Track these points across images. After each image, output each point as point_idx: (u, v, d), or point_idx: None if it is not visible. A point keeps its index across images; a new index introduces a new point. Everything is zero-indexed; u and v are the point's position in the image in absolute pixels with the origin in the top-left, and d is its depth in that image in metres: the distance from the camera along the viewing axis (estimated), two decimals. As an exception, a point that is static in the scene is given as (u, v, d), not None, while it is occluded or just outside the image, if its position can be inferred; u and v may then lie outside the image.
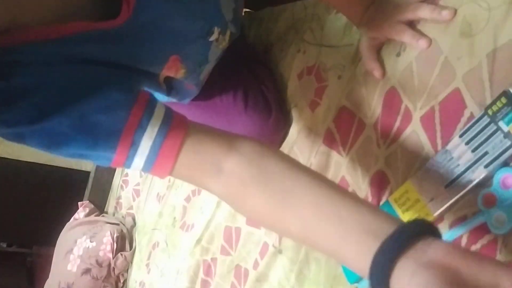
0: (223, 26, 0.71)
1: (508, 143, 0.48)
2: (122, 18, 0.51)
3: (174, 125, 0.51)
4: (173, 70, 0.65)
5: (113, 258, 1.29)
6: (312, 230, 0.44)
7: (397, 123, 0.63)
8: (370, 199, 0.64)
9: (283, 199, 0.47)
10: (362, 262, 0.38)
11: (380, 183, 0.63)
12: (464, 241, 0.51)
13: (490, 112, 0.50)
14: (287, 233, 0.49)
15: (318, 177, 0.48)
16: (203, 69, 0.74)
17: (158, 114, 0.50)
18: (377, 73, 0.67)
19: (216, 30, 0.69)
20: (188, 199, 1.15)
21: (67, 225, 1.44)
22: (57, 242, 1.39)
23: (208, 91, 0.82)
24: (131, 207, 1.47)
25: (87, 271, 1.26)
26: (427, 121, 0.59)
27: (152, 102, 0.51)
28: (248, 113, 0.82)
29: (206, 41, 0.69)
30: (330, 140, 0.73)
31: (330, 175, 0.72)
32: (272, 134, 0.83)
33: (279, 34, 0.94)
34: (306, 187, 0.46)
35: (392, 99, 0.64)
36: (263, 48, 0.98)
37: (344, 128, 0.71)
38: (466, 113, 0.54)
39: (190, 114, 0.55)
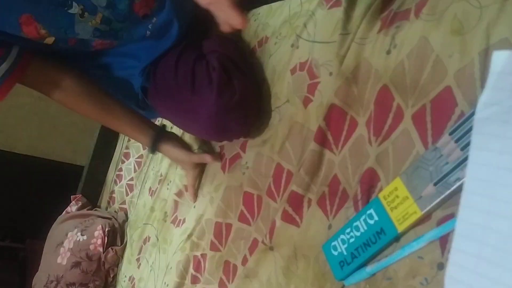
0: (89, 6, 0.84)
1: (497, 141, 0.48)
2: None
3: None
4: (33, 30, 0.80)
5: (103, 252, 1.28)
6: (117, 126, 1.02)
7: (389, 121, 0.63)
8: (359, 196, 0.64)
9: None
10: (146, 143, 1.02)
11: (370, 180, 0.63)
12: (451, 238, 0.51)
13: (480, 110, 0.50)
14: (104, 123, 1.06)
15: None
16: (80, 39, 0.88)
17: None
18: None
19: (77, 6, 0.82)
20: (180, 194, 1.15)
21: (59, 218, 1.44)
22: (48, 235, 1.39)
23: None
24: (124, 202, 1.47)
25: (77, 264, 1.26)
26: (418, 118, 0.59)
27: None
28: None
29: (65, 12, 0.82)
30: (322, 138, 0.73)
31: (322, 173, 0.71)
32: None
33: (275, 28, 0.94)
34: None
35: (384, 97, 0.64)
36: (259, 41, 0.98)
37: (335, 126, 0.71)
38: (457, 111, 0.54)
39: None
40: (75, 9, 0.82)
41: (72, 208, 1.53)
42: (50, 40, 0.84)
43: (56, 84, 0.92)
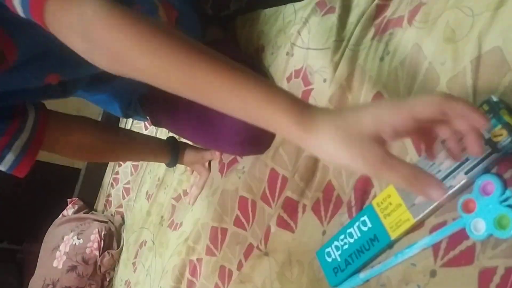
0: None
1: (489, 150, 0.48)
2: (9, 62, 0.63)
3: None
4: (54, 79, 0.75)
5: (99, 256, 1.28)
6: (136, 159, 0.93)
7: (382, 127, 0.63)
8: (353, 202, 0.64)
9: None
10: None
11: (364, 187, 0.63)
12: (443, 246, 0.51)
13: (472, 118, 0.50)
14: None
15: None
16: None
17: None
18: None
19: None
20: (178, 198, 1.15)
21: (55, 221, 1.44)
22: (44, 238, 1.39)
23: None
24: (120, 205, 1.47)
25: (73, 268, 1.26)
26: (411, 126, 0.59)
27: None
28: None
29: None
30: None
31: (317, 179, 0.72)
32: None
33: (270, 36, 0.94)
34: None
35: (378, 103, 0.64)
36: (255, 49, 0.98)
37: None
38: (449, 119, 0.54)
39: None
40: None
41: (69, 211, 1.53)
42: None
43: (72, 142, 0.87)
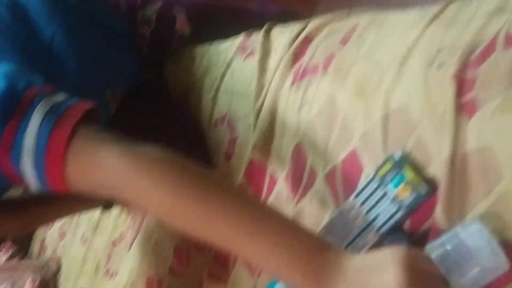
0: None
1: (395, 207, 0.49)
2: None
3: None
4: None
5: (34, 309, 1.21)
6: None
7: (304, 180, 0.63)
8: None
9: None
10: None
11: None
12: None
13: (379, 175, 0.52)
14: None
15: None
16: None
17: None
18: None
19: None
20: (114, 243, 1.11)
21: (-14, 273, 1.35)
22: (-26, 293, 1.30)
23: None
24: (56, 250, 1.40)
25: (4, 325, 1.18)
26: (331, 180, 0.59)
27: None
28: None
29: None
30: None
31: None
32: None
33: (196, 78, 0.93)
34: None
35: (298, 156, 0.65)
36: (183, 90, 0.97)
37: (256, 182, 0.71)
38: (364, 175, 0.55)
39: None
40: None
41: (1, 258, 1.45)
42: None
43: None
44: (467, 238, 0.40)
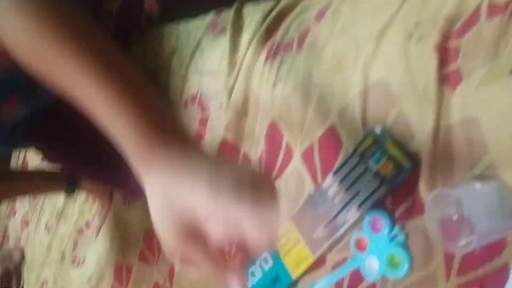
0: None
1: (377, 183, 0.48)
2: None
3: None
4: None
5: (-4, 300, 1.16)
6: None
7: (280, 159, 0.61)
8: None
9: None
10: None
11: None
12: (345, 285, 0.50)
13: (359, 150, 0.50)
14: None
15: None
16: None
17: None
18: None
19: None
20: (80, 231, 1.07)
21: None
22: None
23: None
24: (19, 239, 1.34)
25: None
26: (307, 157, 0.57)
27: None
28: None
29: None
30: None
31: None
32: None
33: (164, 58, 0.88)
34: None
35: (274, 134, 0.63)
36: (151, 71, 0.93)
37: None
38: (343, 151, 0.53)
39: None
40: None
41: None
42: None
43: None
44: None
